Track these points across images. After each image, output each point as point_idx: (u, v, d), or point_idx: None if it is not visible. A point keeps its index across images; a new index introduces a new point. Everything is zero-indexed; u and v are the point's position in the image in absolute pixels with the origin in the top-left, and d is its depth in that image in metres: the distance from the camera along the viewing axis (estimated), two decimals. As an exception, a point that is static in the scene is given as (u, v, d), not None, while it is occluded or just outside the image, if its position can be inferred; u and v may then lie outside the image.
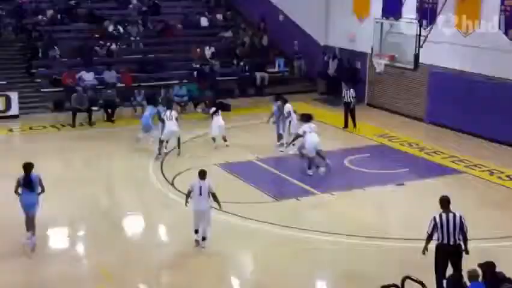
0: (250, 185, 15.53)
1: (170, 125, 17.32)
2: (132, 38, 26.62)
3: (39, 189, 11.86)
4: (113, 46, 25.43)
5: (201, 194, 11.75)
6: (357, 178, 16.32)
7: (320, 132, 18.04)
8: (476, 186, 15.79)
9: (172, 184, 15.50)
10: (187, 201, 11.99)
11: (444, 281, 8.55)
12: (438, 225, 9.84)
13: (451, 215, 9.91)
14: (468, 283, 8.52)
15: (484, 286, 8.41)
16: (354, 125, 20.78)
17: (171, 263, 11.85)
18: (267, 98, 24.84)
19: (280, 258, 11.75)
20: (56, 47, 24.55)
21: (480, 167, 17.01)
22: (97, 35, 25.91)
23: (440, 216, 9.89)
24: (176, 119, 17.58)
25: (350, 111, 20.68)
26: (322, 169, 16.26)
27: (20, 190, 11.86)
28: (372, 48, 19.88)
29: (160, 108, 18.46)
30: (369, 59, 21.75)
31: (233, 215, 13.49)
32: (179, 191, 14.92)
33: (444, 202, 10.07)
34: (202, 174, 11.90)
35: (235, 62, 26.30)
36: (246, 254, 12.29)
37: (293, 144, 17.40)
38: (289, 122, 18.09)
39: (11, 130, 20.87)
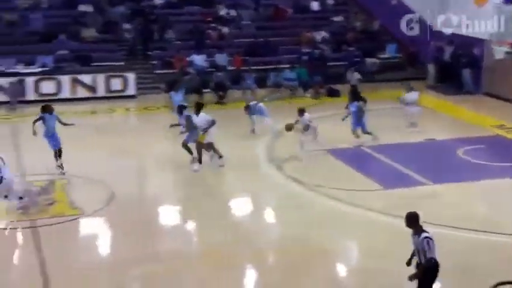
0: (358, 172, 15.36)
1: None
2: (243, 22, 26.92)
3: None
4: (225, 29, 25.83)
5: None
6: (471, 170, 15.72)
7: (432, 121, 17.53)
8: None
9: (281, 168, 15.63)
10: (207, 129, 15.42)
11: None
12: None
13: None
14: None
15: None
16: None
17: (278, 246, 11.99)
18: (377, 84, 24.43)
19: (388, 246, 11.56)
20: (170, 30, 25.26)
21: None
22: (209, 19, 26.44)
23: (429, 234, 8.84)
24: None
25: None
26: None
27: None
28: (491, 35, 19.02)
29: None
30: (487, 45, 20.81)
31: (340, 201, 13.48)
32: (288, 176, 15.07)
33: (417, 218, 9.08)
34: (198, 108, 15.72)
35: (345, 47, 25.98)
36: (353, 241, 12.20)
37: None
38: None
39: (128, 109, 21.86)
